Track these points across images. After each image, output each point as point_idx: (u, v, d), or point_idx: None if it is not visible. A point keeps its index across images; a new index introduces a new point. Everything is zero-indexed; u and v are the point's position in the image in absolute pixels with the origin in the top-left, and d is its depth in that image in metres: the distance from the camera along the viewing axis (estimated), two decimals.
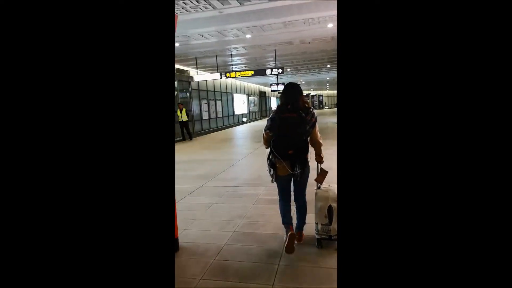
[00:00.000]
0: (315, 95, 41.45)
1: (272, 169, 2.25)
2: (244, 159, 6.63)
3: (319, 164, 2.37)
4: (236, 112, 20.88)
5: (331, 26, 7.70)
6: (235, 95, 21.15)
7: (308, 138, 2.21)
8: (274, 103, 32.40)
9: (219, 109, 17.75)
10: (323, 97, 43.61)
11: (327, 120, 18.06)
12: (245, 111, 23.25)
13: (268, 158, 2.24)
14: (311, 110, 2.20)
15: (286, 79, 23.28)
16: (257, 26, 7.28)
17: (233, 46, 9.72)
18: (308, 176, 2.31)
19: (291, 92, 2.20)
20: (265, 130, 2.22)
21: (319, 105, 41.09)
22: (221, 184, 4.57)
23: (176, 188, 4.59)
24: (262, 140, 2.27)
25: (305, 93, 39.85)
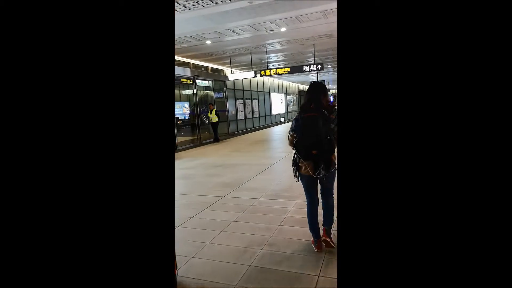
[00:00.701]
0: None
1: (295, 168, 2.24)
2: (277, 164, 6.02)
3: None
4: (274, 111, 20.31)
5: None
6: (272, 94, 20.60)
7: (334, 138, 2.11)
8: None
9: (256, 108, 17.33)
10: None
11: None
12: (283, 110, 22.59)
13: (293, 158, 2.24)
14: (335, 108, 2.16)
15: (327, 77, 22.05)
16: (293, 17, 6.59)
17: (268, 41, 9.13)
18: (334, 177, 2.22)
19: (314, 91, 2.20)
20: (290, 132, 2.20)
21: None
22: (246, 195, 4.01)
23: (195, 199, 4.10)
24: (288, 141, 2.24)
25: None
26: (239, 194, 4.07)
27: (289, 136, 2.22)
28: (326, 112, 2.10)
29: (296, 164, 2.24)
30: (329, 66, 15.91)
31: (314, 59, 10.23)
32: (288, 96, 24.40)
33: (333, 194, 2.32)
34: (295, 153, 2.21)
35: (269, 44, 9.48)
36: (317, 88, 2.24)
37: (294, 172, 2.27)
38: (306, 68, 9.81)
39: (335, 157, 2.19)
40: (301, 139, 2.10)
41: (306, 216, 2.41)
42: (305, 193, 2.34)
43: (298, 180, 2.29)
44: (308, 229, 2.39)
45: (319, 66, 9.60)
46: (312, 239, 2.40)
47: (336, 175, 2.25)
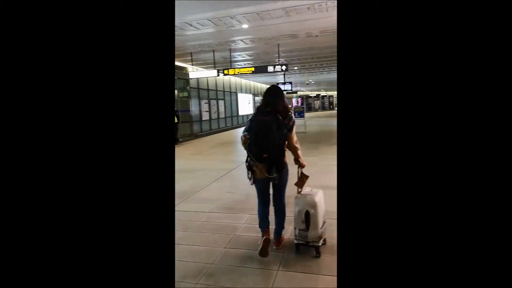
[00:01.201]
0: (325, 95, 40.48)
1: (250, 172, 2.25)
2: (237, 169, 5.61)
3: (299, 169, 2.32)
4: (241, 112, 19.92)
5: None
6: (239, 95, 20.21)
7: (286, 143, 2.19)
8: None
9: (221, 109, 16.80)
10: (333, 98, 42.70)
11: (336, 123, 16.86)
12: (251, 111, 22.29)
13: (246, 161, 2.24)
14: (290, 114, 2.20)
15: (295, 78, 22.11)
16: (254, 13, 6.24)
17: (231, 39, 8.71)
18: (286, 180, 2.29)
19: (271, 95, 2.22)
20: (243, 132, 2.18)
21: (329, 106, 40.26)
22: (195, 208, 3.55)
23: None
24: (241, 141, 2.23)
25: (314, 93, 39.15)
26: (187, 207, 3.59)
27: (242, 137, 2.20)
28: (280, 117, 2.09)
29: (250, 167, 2.24)
30: (295, 68, 15.85)
31: (279, 60, 9.97)
32: (256, 97, 24.14)
33: (284, 199, 2.34)
34: (248, 156, 2.20)
35: (232, 42, 9.05)
36: (275, 92, 2.24)
37: (249, 176, 2.27)
38: (270, 68, 9.52)
39: (286, 160, 2.23)
40: (253, 141, 2.09)
41: (257, 234, 2.44)
42: (258, 196, 2.37)
43: (253, 184, 2.30)
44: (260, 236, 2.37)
45: (284, 67, 9.35)
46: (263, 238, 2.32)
47: (288, 177, 2.30)
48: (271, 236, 2.35)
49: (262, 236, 2.27)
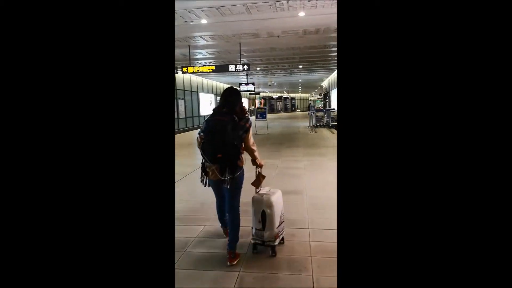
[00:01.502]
0: (288, 97, 41.17)
1: (203, 173, 2.22)
2: (195, 172, 5.21)
3: (257, 169, 2.34)
4: (202, 113, 19.32)
5: (303, 15, 6.52)
6: (201, 95, 19.60)
7: (242, 144, 2.19)
8: (245, 104, 31.12)
9: (181, 109, 16.12)
10: (296, 100, 43.59)
11: (299, 124, 17.10)
12: None
13: (202, 162, 2.21)
14: (247, 115, 2.19)
15: (257, 79, 22.05)
16: (213, 8, 5.90)
17: (190, 35, 8.26)
18: (240, 184, 2.24)
19: (228, 96, 2.19)
20: (199, 133, 2.15)
21: (291, 108, 41.01)
22: None
23: None
24: (197, 142, 2.19)
25: (277, 95, 39.64)
26: None
27: (198, 138, 2.15)
28: (236, 118, 2.09)
29: (203, 169, 2.21)
30: (258, 68, 15.75)
31: (240, 59, 9.72)
32: (218, 97, 23.67)
33: (237, 208, 2.26)
34: (203, 157, 2.16)
35: (191, 38, 8.59)
36: (232, 93, 2.21)
37: (202, 177, 2.24)
38: (232, 67, 9.22)
39: (242, 162, 2.20)
40: (208, 141, 2.06)
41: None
42: (215, 195, 2.38)
43: (206, 185, 2.26)
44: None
45: (245, 67, 9.12)
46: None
47: (243, 181, 2.25)
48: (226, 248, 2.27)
49: (224, 232, 2.51)
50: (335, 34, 8.37)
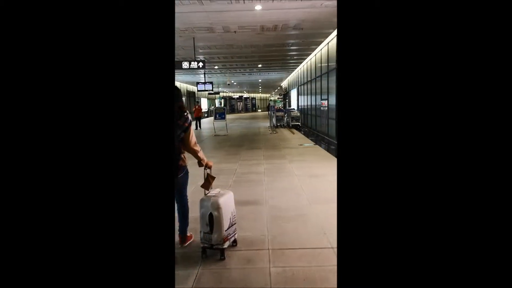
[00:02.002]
0: (248, 97, 41.03)
1: None
2: None
3: (205, 170, 2.27)
4: None
5: (260, 9, 6.13)
6: None
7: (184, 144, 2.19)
8: (204, 104, 30.22)
9: None
10: (256, 100, 43.66)
11: (259, 124, 16.83)
12: None
13: None
14: (186, 114, 2.12)
15: (216, 79, 21.39)
16: None
17: None
18: (185, 182, 2.27)
19: None
20: None
21: (252, 108, 40.95)
22: None
23: None
24: None
25: (237, 95, 39.28)
26: None
27: None
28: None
29: None
30: (216, 67, 15.15)
31: (195, 56, 9.07)
32: None
33: (185, 195, 2.32)
34: None
35: None
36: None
37: None
38: (185, 64, 8.54)
39: (184, 162, 2.19)
40: None
41: None
42: None
43: None
44: None
45: (201, 64, 8.50)
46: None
47: (187, 178, 2.30)
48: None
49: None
50: (294, 32, 8.13)
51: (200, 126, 14.19)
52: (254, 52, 11.08)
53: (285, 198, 3.61)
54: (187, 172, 2.24)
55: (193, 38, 8.26)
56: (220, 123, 12.10)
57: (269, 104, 25.60)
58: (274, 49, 10.57)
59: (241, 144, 8.69)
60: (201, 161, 2.24)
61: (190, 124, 2.11)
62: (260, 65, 15.02)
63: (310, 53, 12.23)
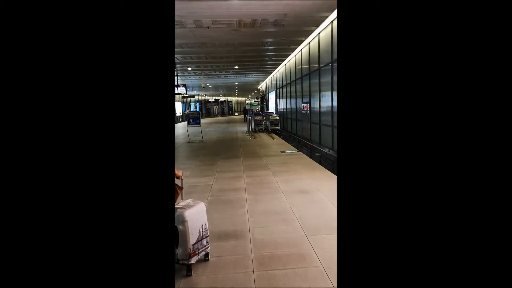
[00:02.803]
0: (224, 101, 40.20)
1: None
2: None
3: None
4: None
5: (236, 1, 5.38)
6: None
7: None
8: (178, 108, 28.93)
9: None
10: (233, 104, 42.95)
11: (236, 128, 16.03)
12: None
13: None
14: None
15: (191, 81, 20.34)
16: None
17: None
18: None
19: None
20: None
21: (229, 112, 40.21)
22: None
23: None
24: None
25: (213, 98, 38.28)
26: None
27: None
28: None
29: None
30: (189, 68, 14.19)
31: None
32: None
33: None
34: None
35: None
36: None
37: None
38: None
39: None
40: None
41: None
42: None
43: None
44: None
45: None
46: None
47: None
48: None
49: None
50: (273, 29, 7.45)
51: None
52: (230, 52, 10.31)
53: (274, 227, 2.85)
54: None
55: None
56: (194, 129, 11.19)
57: (245, 107, 24.77)
58: (251, 48, 9.86)
59: (218, 152, 7.86)
60: None
61: None
62: (236, 67, 14.25)
63: (290, 54, 11.65)
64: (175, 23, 6.64)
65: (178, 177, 2.12)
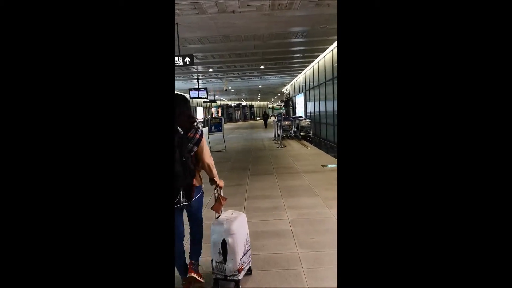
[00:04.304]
0: (246, 105, 39.16)
1: None
2: None
3: (216, 190, 2.03)
4: None
5: None
6: None
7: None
8: (199, 114, 28.06)
9: None
10: (255, 108, 41.87)
11: (261, 135, 14.61)
12: None
13: None
14: (196, 124, 1.92)
15: (212, 84, 19.24)
16: None
17: None
18: (201, 203, 2.00)
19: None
20: None
21: (251, 116, 39.14)
22: None
23: None
24: None
25: (234, 103, 37.30)
26: None
27: None
28: (181, 131, 1.78)
29: None
30: (211, 69, 13.01)
31: (179, 49, 6.83)
32: None
33: (201, 223, 2.03)
34: None
35: None
36: (178, 100, 1.88)
37: None
38: None
39: (198, 181, 1.93)
40: None
41: None
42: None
43: None
44: None
45: (187, 60, 6.32)
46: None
47: (203, 199, 2.00)
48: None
49: (182, 277, 1.93)
50: (313, 12, 5.97)
51: None
52: (257, 47, 8.94)
53: None
54: (202, 193, 1.97)
55: (176, 24, 6.09)
56: (216, 136, 9.94)
57: (265, 112, 23.29)
58: (281, 42, 8.44)
59: (245, 165, 6.47)
60: (214, 179, 1.97)
61: (202, 135, 1.86)
62: (262, 66, 12.88)
63: (327, 47, 10.10)
64: (192, 7, 5.34)
65: (221, 187, 2.00)
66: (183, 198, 1.81)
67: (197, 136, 1.83)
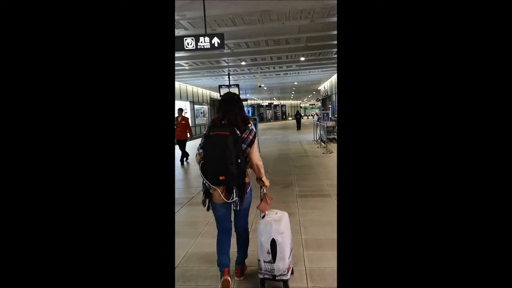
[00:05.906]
0: (278, 104, 37.52)
1: (205, 196, 1.93)
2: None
3: (262, 189, 2.03)
4: None
5: None
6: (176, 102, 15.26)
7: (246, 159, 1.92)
8: None
9: None
10: (286, 107, 40.10)
11: (298, 137, 12.90)
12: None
13: (203, 184, 1.91)
14: (250, 125, 1.93)
15: (244, 81, 17.86)
16: None
17: None
18: (249, 203, 2.02)
19: (227, 104, 1.91)
20: (198, 149, 1.91)
21: (282, 116, 37.43)
22: None
23: None
24: (196, 159, 1.91)
25: (266, 102, 35.82)
26: None
27: (197, 155, 1.88)
28: (237, 131, 1.77)
29: (207, 191, 1.88)
30: (243, 63, 11.56)
31: (205, 28, 5.35)
32: (195, 105, 19.32)
33: (247, 224, 2.06)
34: (202, 178, 1.83)
35: None
36: (232, 100, 1.91)
37: (204, 200, 1.91)
38: (189, 42, 4.90)
39: (248, 178, 1.94)
40: (208, 162, 1.79)
41: None
42: (217, 223, 2.02)
43: (208, 210, 1.95)
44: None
45: (216, 40, 4.84)
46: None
47: (251, 199, 2.01)
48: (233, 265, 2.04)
49: (221, 277, 1.95)
50: None
51: (184, 160, 7.18)
52: (302, 28, 7.29)
53: None
54: (251, 189, 1.96)
55: (204, 2, 4.64)
56: None
57: (297, 111, 21.44)
58: (331, 22, 6.73)
59: (288, 179, 4.88)
60: (262, 179, 1.95)
61: (255, 136, 1.88)
62: (302, 58, 11.17)
63: None
64: None
65: (266, 186, 1.98)
66: (236, 196, 1.84)
67: (251, 137, 1.84)
